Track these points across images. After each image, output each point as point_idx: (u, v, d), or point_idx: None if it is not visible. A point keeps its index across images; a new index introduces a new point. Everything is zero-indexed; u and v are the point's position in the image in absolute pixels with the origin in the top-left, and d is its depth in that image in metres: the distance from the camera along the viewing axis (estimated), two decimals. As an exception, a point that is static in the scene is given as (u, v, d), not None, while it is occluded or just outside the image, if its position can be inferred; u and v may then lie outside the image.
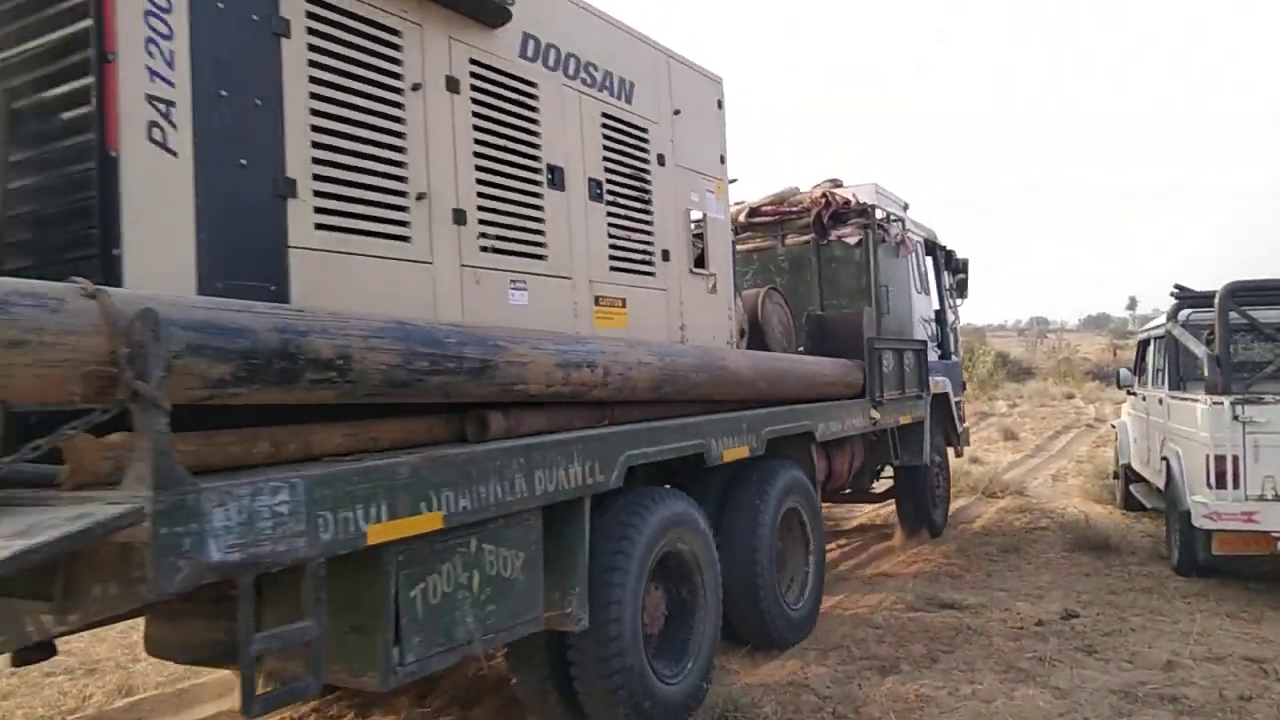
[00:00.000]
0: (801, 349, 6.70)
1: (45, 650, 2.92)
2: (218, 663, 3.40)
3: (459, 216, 3.74)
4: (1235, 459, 5.86)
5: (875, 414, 6.60)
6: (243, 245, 2.95)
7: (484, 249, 3.89)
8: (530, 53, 4.22)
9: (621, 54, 4.85)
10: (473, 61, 3.90)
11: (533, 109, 4.18)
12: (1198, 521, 6.01)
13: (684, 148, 5.33)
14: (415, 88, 3.58)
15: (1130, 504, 9.09)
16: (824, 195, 7.63)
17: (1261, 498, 5.82)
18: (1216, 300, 6.27)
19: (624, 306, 4.73)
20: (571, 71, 4.48)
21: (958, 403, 9.16)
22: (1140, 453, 8.60)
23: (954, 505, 9.69)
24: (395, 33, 3.53)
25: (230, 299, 2.65)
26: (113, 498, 2.20)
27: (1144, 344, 8.77)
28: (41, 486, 2.37)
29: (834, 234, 7.58)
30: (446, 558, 3.07)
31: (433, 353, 2.97)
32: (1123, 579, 6.70)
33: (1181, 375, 7.23)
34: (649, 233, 4.98)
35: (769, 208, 7.73)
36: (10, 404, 2.35)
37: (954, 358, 9.44)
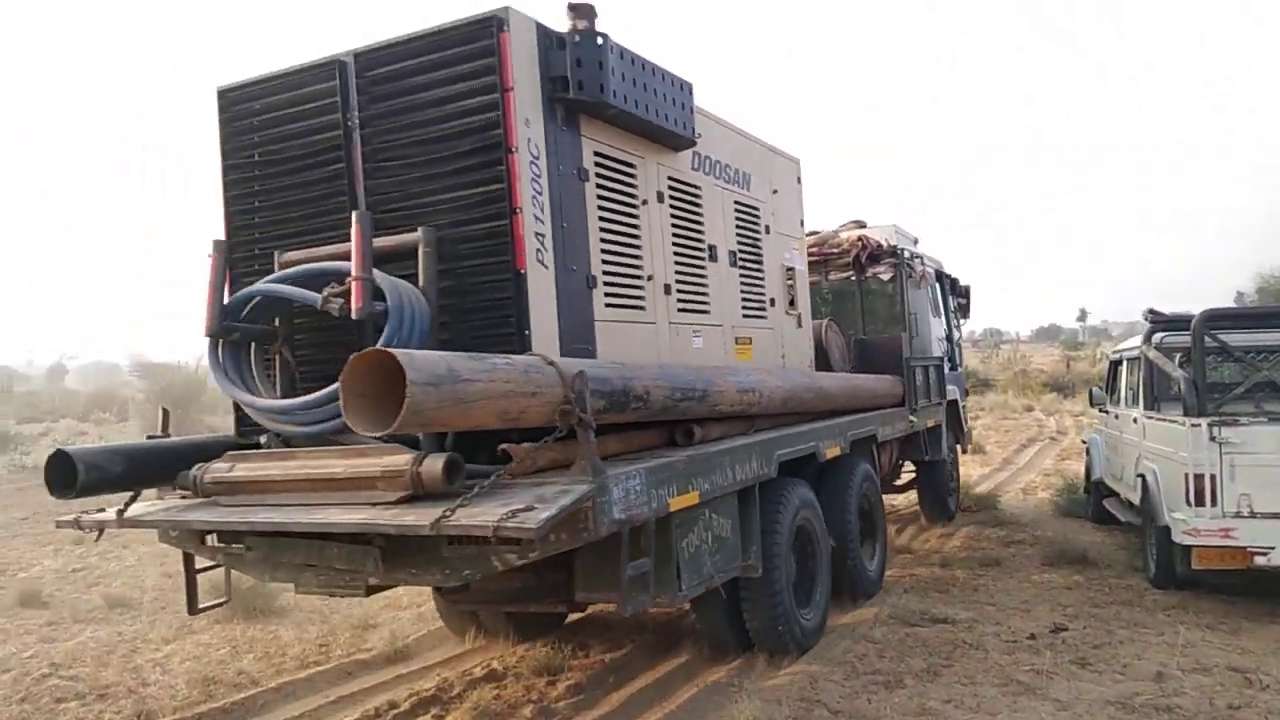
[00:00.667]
0: (851, 368, 8.22)
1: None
2: (522, 602, 5.14)
3: (667, 289, 5.42)
4: (1213, 478, 6.13)
5: (913, 419, 8.31)
6: (576, 321, 4.52)
7: (680, 310, 5.55)
8: (696, 165, 5.85)
9: (743, 153, 6.53)
10: (669, 179, 5.53)
11: (699, 206, 5.86)
12: (1178, 537, 6.27)
13: (779, 217, 7.08)
14: (644, 202, 5.22)
15: (1101, 517, 9.37)
16: (860, 239, 9.02)
17: (1238, 514, 6.09)
18: (1193, 326, 6.56)
19: (750, 344, 6.43)
20: (719, 174, 6.17)
21: (963, 406, 10.91)
22: (1112, 468, 8.91)
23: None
24: (633, 165, 5.14)
25: (588, 358, 4.44)
26: (563, 482, 3.68)
27: (1116, 364, 9.08)
28: (484, 477, 3.69)
29: (870, 271, 9.05)
30: (697, 522, 4.68)
31: (683, 388, 4.69)
32: (1103, 592, 6.96)
33: (1156, 396, 7.53)
34: (762, 286, 6.69)
35: (813, 249, 8.84)
36: (519, 426, 3.69)
37: (959, 369, 11.28)
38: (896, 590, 7.20)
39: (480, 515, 3.40)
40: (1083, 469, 10.50)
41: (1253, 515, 6.08)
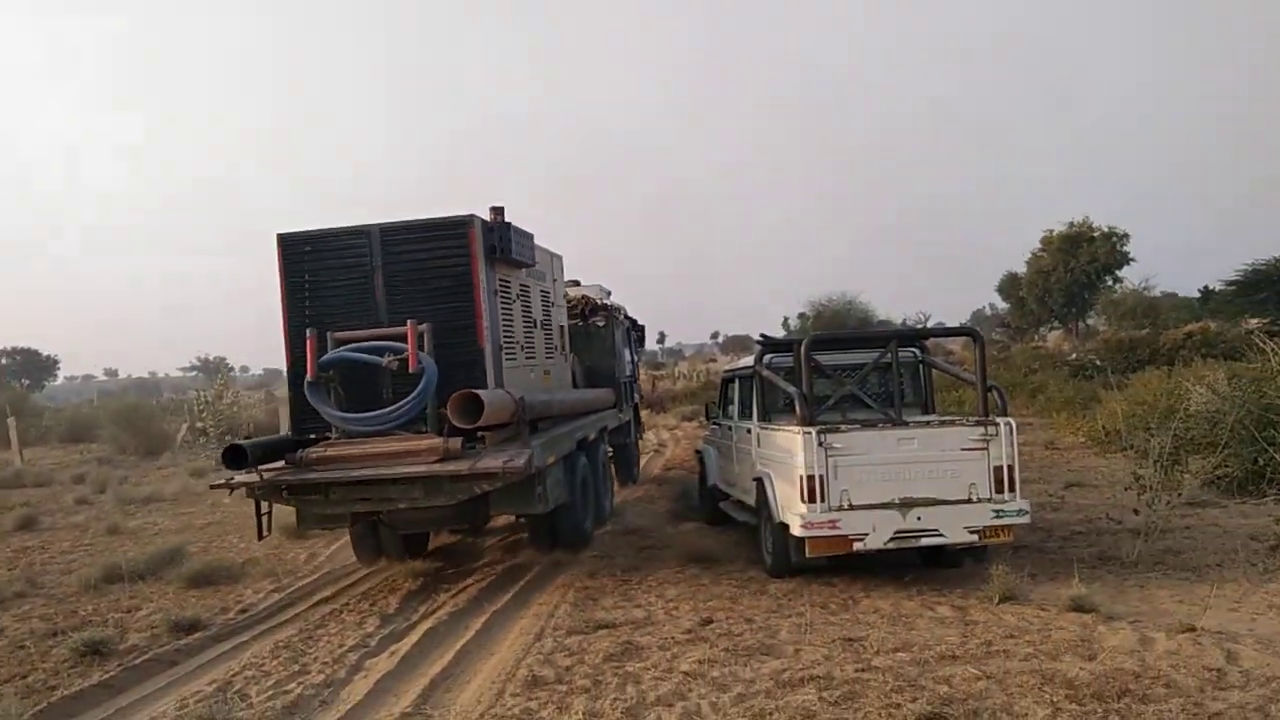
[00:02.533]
0: (584, 385, 12.20)
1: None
2: (442, 525, 9.28)
3: (522, 347, 9.11)
4: (822, 478, 7.17)
5: (621, 415, 13.30)
6: (501, 371, 8.31)
7: (526, 359, 9.32)
8: (528, 275, 9.52)
9: (543, 259, 10.09)
10: (520, 285, 9.29)
11: (530, 298, 9.63)
12: (796, 531, 7.23)
13: (556, 293, 10.93)
14: (515, 299, 9.07)
15: (717, 519, 10.47)
16: (583, 297, 13.46)
17: (841, 508, 7.18)
18: (802, 348, 7.62)
19: (549, 374, 10.16)
20: (536, 277, 9.91)
21: (636, 407, 15.67)
22: (726, 475, 9.98)
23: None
24: (509, 282, 8.89)
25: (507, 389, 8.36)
26: (514, 449, 7.66)
27: (728, 381, 10.21)
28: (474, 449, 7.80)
29: (590, 319, 13.35)
30: (553, 471, 8.74)
31: (543, 403, 8.94)
32: (735, 585, 7.80)
33: (768, 409, 8.60)
34: (553, 339, 10.53)
35: None
36: (502, 423, 7.79)
37: (636, 383, 16.13)
38: (551, 600, 7.52)
39: (490, 463, 7.40)
40: (696, 478, 11.62)
41: (851, 508, 7.19)
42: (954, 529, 7.22)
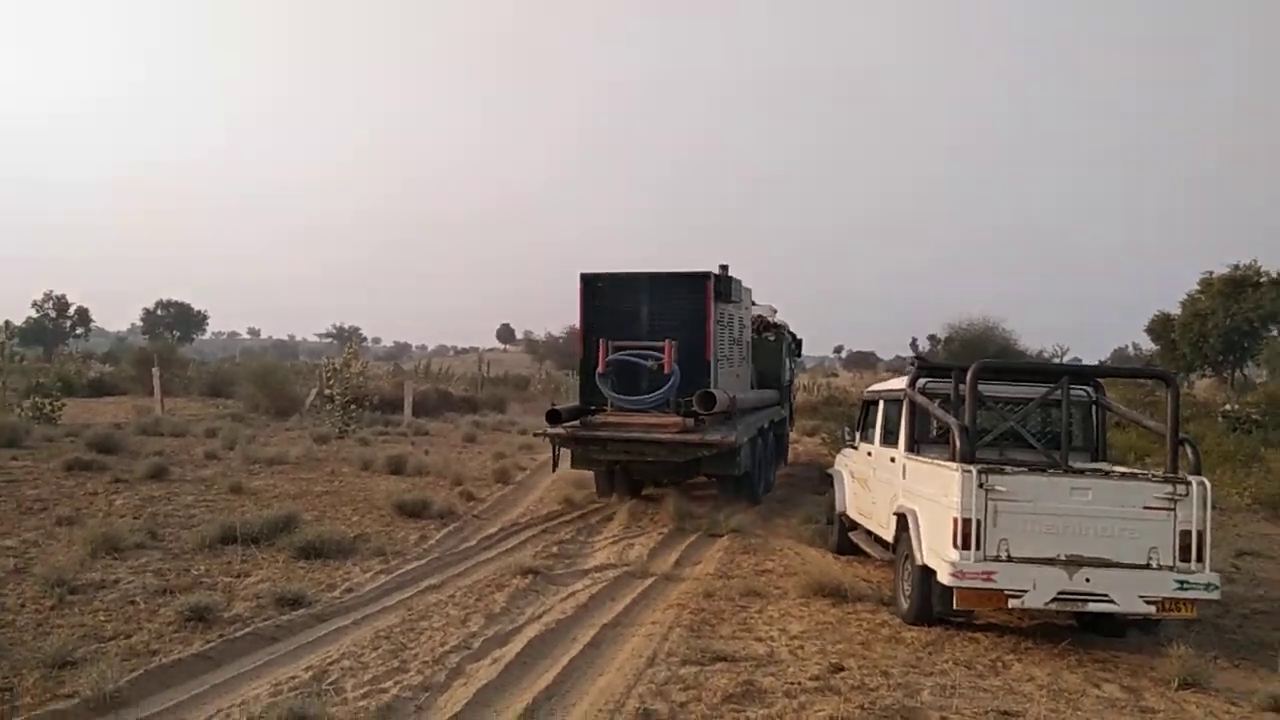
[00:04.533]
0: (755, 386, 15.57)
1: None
2: (667, 476, 13.29)
3: (728, 360, 13.52)
4: (979, 523, 6.38)
5: (782, 411, 16.89)
6: (720, 377, 12.76)
7: (729, 368, 13.49)
8: (733, 306, 13.54)
9: (739, 293, 13.94)
10: (729, 313, 13.30)
11: (733, 322, 13.67)
12: (944, 578, 6.47)
13: (747, 318, 15.07)
14: (723, 325, 13.05)
15: (844, 548, 9.76)
16: (759, 317, 16.42)
17: (997, 558, 6.38)
18: (969, 375, 6.84)
19: (739, 376, 14.10)
20: (736, 306, 13.80)
21: (792, 407, 19.45)
22: (861, 504, 9.23)
23: (664, 544, 10.34)
24: (724, 314, 13.07)
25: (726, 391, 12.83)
26: (727, 428, 12.07)
27: (870, 403, 9.47)
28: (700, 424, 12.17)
29: (763, 334, 16.55)
30: (747, 445, 12.97)
31: (739, 401, 13.04)
32: (867, 629, 7.08)
33: (917, 438, 7.84)
34: (745, 352, 14.76)
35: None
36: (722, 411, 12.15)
37: (793, 387, 19.70)
38: (662, 622, 6.96)
39: (713, 437, 11.70)
40: (826, 501, 10.91)
41: (1010, 560, 6.38)
42: (1127, 597, 6.32)
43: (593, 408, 12.61)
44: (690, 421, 11.91)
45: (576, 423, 12.37)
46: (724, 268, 13.05)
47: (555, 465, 13.11)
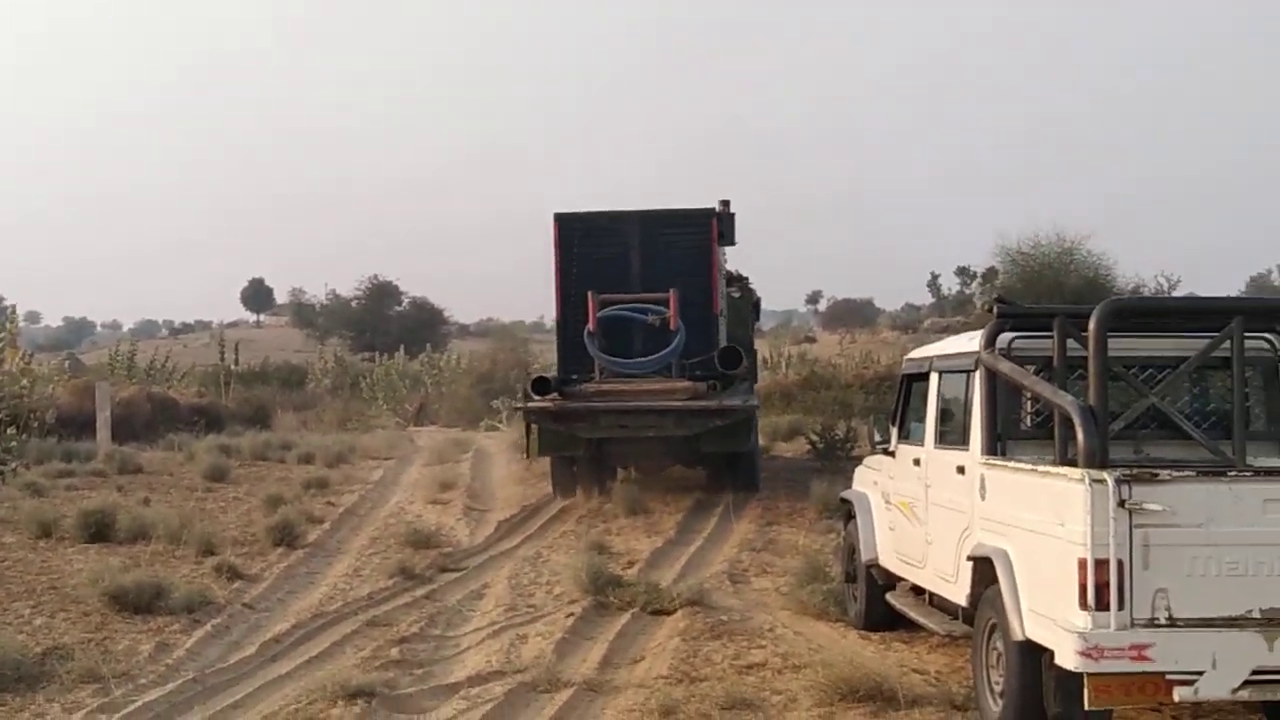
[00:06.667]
0: None
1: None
2: (662, 461, 18.40)
3: (721, 314, 19.07)
4: (1120, 565, 6.34)
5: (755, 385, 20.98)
6: (728, 330, 19.10)
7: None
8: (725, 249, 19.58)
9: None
10: (725, 258, 19.82)
11: (724, 266, 20.04)
12: (1067, 660, 6.41)
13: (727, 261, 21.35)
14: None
15: (875, 619, 9.83)
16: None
17: (1153, 622, 6.36)
18: (1092, 324, 6.80)
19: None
20: (726, 252, 19.96)
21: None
22: (904, 545, 9.27)
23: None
24: (722, 257, 19.33)
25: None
26: (743, 393, 17.62)
27: (913, 379, 9.49)
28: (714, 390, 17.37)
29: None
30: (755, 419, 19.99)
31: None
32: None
33: (1000, 433, 7.82)
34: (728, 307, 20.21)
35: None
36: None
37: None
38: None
39: (732, 401, 16.51)
40: (839, 545, 10.92)
41: (1173, 623, 6.38)
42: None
43: (574, 377, 16.73)
44: (703, 386, 15.86)
45: (553, 396, 16.10)
46: (725, 203, 17.47)
47: (529, 451, 17.25)
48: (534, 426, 16.02)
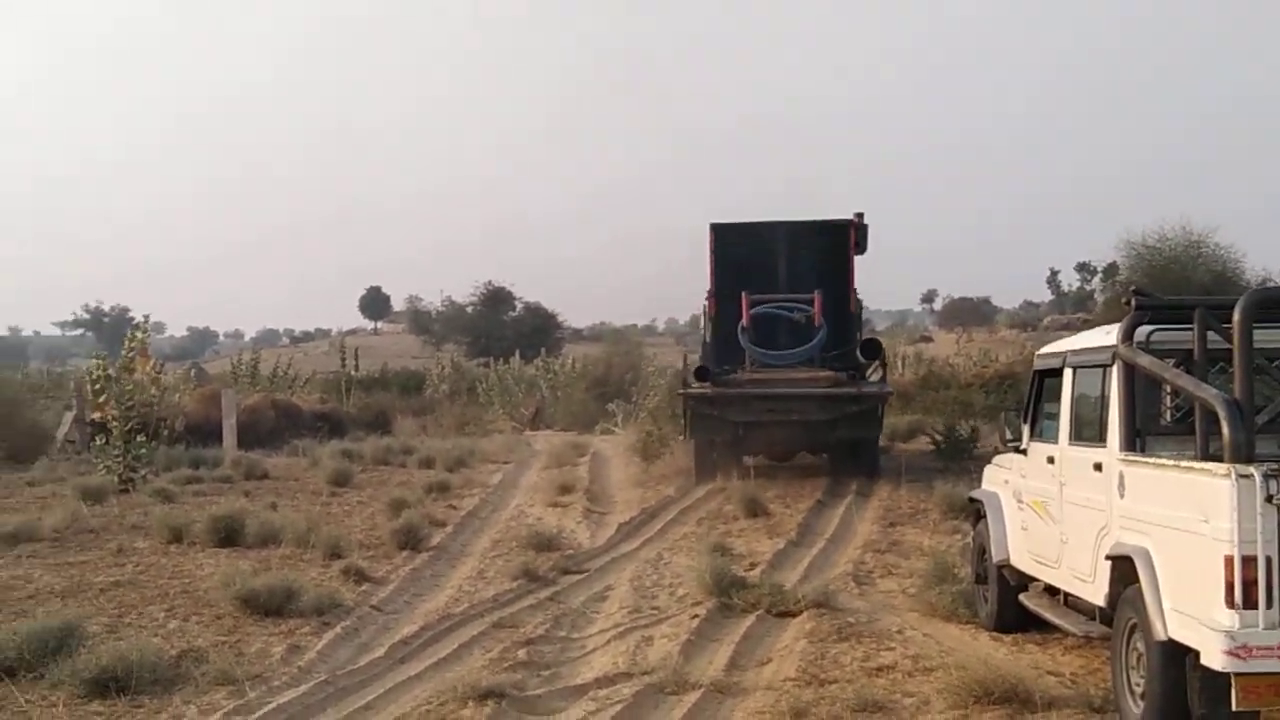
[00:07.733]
0: None
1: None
2: (792, 448, 21.82)
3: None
4: (1270, 562, 6.21)
5: None
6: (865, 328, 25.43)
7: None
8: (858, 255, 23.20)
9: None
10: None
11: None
12: (1214, 660, 6.29)
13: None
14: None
15: (1008, 621, 9.73)
16: None
17: (1302, 621, 6.21)
18: (1236, 315, 6.66)
19: None
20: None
21: None
22: (1039, 545, 9.16)
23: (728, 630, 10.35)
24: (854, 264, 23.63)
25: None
26: (876, 381, 21.76)
27: (1046, 375, 9.36)
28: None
29: None
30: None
31: None
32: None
33: (1140, 428, 7.69)
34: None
35: None
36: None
37: None
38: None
39: (871, 388, 19.97)
40: (968, 545, 10.80)
41: (1324, 622, 6.22)
42: None
43: (727, 368, 19.68)
44: (843, 375, 19.05)
45: (707, 385, 18.98)
46: (859, 215, 20.49)
47: (687, 432, 20.11)
48: (690, 409, 19.03)
